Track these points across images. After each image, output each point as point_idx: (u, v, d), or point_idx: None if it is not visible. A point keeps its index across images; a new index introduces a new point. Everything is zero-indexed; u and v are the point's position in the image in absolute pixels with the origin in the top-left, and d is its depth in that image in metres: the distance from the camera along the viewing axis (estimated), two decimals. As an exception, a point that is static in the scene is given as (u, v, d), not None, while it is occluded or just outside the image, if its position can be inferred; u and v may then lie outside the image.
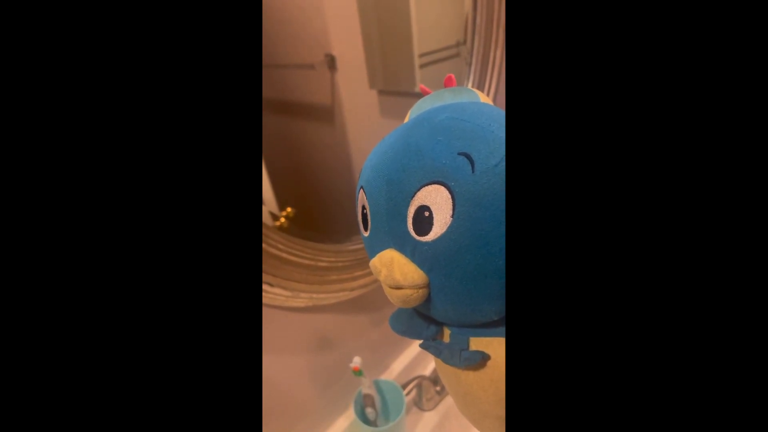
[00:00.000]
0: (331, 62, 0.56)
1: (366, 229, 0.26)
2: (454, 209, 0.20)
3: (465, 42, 0.72)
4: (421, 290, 0.23)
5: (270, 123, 0.49)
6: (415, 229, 0.22)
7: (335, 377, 0.68)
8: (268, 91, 0.48)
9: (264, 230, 0.46)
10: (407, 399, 0.68)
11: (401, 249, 0.23)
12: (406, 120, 0.27)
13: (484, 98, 0.26)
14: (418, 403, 0.76)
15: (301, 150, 0.60)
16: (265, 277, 0.48)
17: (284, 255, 0.49)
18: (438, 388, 0.76)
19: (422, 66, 0.68)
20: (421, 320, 0.28)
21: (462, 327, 0.26)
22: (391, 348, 0.80)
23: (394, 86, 0.69)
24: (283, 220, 0.55)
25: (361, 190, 0.25)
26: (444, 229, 0.21)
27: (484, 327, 0.25)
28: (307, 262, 0.53)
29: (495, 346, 0.24)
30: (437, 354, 0.27)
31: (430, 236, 0.21)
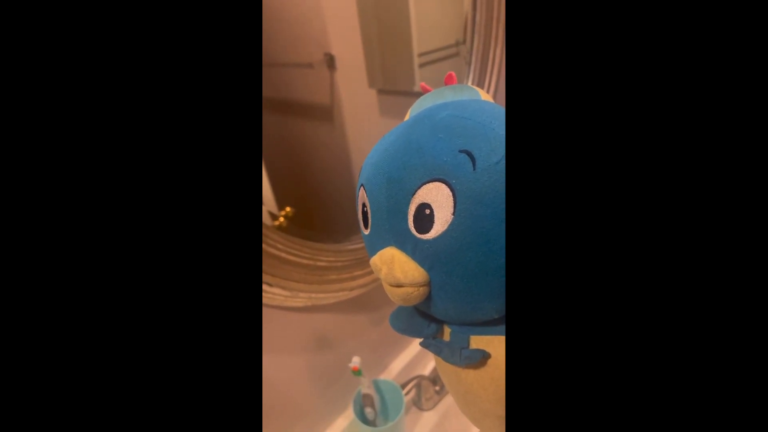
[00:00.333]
0: (330, 61, 0.56)
1: (366, 227, 0.25)
2: (455, 207, 0.20)
3: (464, 41, 0.72)
4: (421, 288, 0.23)
5: (269, 122, 0.49)
6: (416, 227, 0.22)
7: (334, 377, 0.67)
8: (267, 90, 0.48)
9: (263, 230, 0.46)
10: (406, 399, 0.68)
11: (402, 247, 0.23)
12: (407, 118, 0.26)
13: (485, 96, 0.26)
14: (417, 403, 0.76)
15: (300, 149, 0.60)
16: (264, 277, 0.48)
17: (283, 255, 0.49)
18: (437, 388, 0.76)
19: (421, 65, 0.68)
20: (422, 318, 0.28)
21: (462, 325, 0.26)
22: (390, 348, 0.80)
23: (393, 85, 0.69)
24: (282, 219, 0.55)
25: (362, 188, 0.25)
26: (445, 227, 0.21)
27: (484, 325, 0.25)
28: (306, 261, 0.53)
29: (495, 345, 0.24)
30: (437, 352, 0.27)
31: (431, 234, 0.21)
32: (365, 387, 0.64)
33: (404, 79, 0.70)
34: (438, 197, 0.20)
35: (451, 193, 0.20)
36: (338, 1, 0.57)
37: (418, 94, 0.28)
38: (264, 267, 0.47)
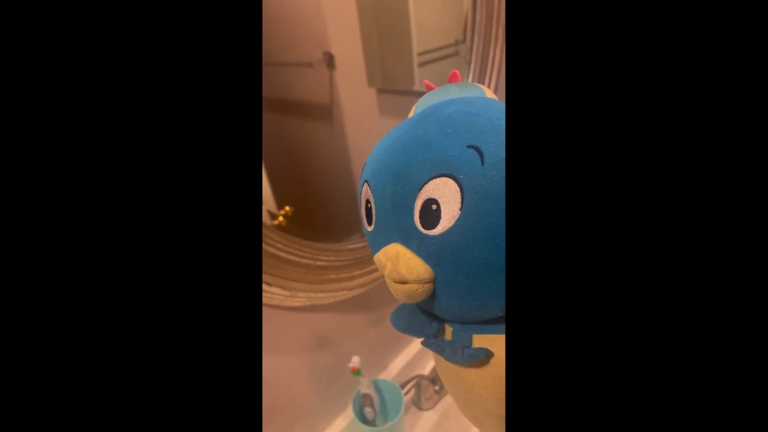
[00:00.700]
0: (329, 60, 0.56)
1: (370, 223, 0.25)
2: (462, 202, 0.20)
3: (464, 40, 0.73)
4: (426, 285, 0.23)
5: (268, 121, 0.49)
6: (422, 223, 0.22)
7: (334, 377, 0.67)
8: (266, 90, 0.48)
9: (262, 229, 0.46)
10: (406, 398, 0.68)
11: (407, 243, 0.23)
12: (411, 115, 0.26)
13: (490, 94, 0.26)
14: (417, 403, 0.76)
15: (299, 148, 0.60)
16: (263, 277, 0.48)
17: (282, 254, 0.49)
18: (437, 388, 0.76)
19: (421, 64, 0.69)
20: (423, 317, 0.28)
21: (464, 324, 0.26)
22: (389, 347, 0.80)
23: (392, 85, 0.69)
24: (281, 218, 0.54)
25: (365, 184, 0.25)
26: (452, 223, 0.20)
27: (486, 324, 0.25)
28: (305, 261, 0.53)
29: (498, 344, 0.24)
30: (439, 351, 0.27)
31: (438, 230, 0.21)
32: (365, 387, 0.63)
33: (404, 78, 0.70)
34: (445, 192, 0.20)
35: (458, 189, 0.20)
36: (338, 0, 0.57)
37: (418, 93, 0.28)
38: (263, 266, 0.47)
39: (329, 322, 0.64)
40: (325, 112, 0.60)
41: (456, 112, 0.22)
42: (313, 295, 0.55)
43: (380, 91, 0.66)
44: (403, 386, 0.68)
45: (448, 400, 0.76)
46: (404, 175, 0.22)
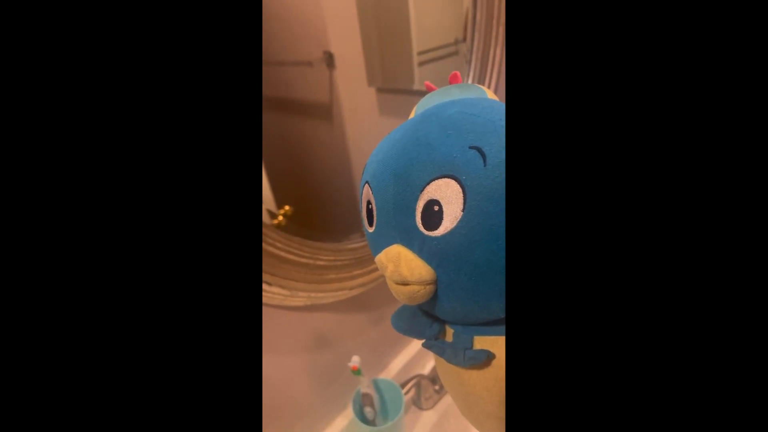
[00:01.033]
0: (329, 60, 0.56)
1: (371, 224, 0.25)
2: (464, 203, 0.20)
3: (464, 40, 0.72)
4: (428, 286, 0.23)
5: (268, 121, 0.48)
6: (423, 224, 0.21)
7: (334, 376, 0.67)
8: (266, 89, 0.48)
9: (262, 229, 0.46)
10: (406, 398, 0.68)
11: (408, 244, 0.23)
12: (412, 116, 0.26)
13: (491, 95, 0.26)
14: (417, 402, 0.76)
15: (299, 147, 0.60)
16: (263, 276, 0.48)
17: (282, 254, 0.49)
18: (437, 387, 0.76)
19: (421, 64, 0.68)
20: (424, 319, 0.28)
21: (466, 325, 0.25)
22: (389, 347, 0.80)
23: (392, 84, 0.69)
24: (281, 218, 0.54)
25: (366, 185, 0.25)
26: (454, 224, 0.20)
27: (488, 325, 0.25)
28: (305, 260, 0.53)
29: (500, 345, 0.24)
30: (440, 353, 0.27)
31: (440, 231, 0.21)
32: (365, 386, 0.63)
33: (404, 77, 0.70)
34: (447, 193, 0.20)
35: (461, 190, 0.20)
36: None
37: (418, 93, 0.28)
38: (263, 266, 0.47)
39: (329, 321, 0.64)
40: (325, 112, 0.60)
41: (457, 113, 0.22)
42: (313, 294, 0.55)
43: (380, 90, 0.66)
44: (403, 386, 0.68)
45: (448, 400, 0.76)
46: (406, 176, 0.22)
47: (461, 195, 0.20)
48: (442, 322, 0.27)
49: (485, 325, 0.25)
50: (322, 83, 0.58)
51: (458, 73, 0.27)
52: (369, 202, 0.25)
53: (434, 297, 0.24)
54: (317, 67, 0.56)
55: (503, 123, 0.21)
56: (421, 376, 0.73)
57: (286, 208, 0.55)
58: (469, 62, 0.73)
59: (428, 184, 0.21)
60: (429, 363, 0.83)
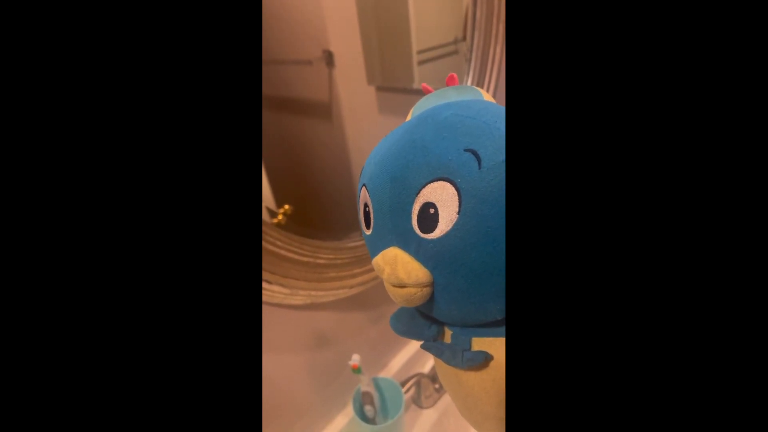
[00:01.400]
0: (328, 58, 0.56)
1: (368, 227, 0.25)
2: (460, 206, 0.20)
3: (464, 39, 0.72)
4: (425, 289, 0.23)
5: (267, 119, 0.48)
6: (419, 227, 0.21)
7: (334, 375, 0.68)
8: (265, 88, 0.48)
9: (262, 227, 0.46)
10: (406, 397, 0.68)
11: (405, 247, 0.23)
12: (408, 118, 0.26)
13: (487, 97, 0.25)
14: (417, 401, 0.76)
15: (298, 146, 0.60)
16: (263, 275, 0.48)
17: (282, 252, 0.49)
18: (437, 386, 0.76)
19: (420, 63, 0.68)
20: (423, 320, 0.28)
21: (464, 327, 0.26)
22: (389, 345, 0.80)
23: (392, 83, 0.68)
24: (280, 217, 0.54)
25: (363, 188, 0.25)
26: (450, 227, 0.20)
27: (486, 327, 0.25)
28: (305, 259, 0.53)
29: (498, 346, 0.24)
30: (438, 355, 0.27)
31: (436, 233, 0.21)
32: (365, 385, 0.64)
33: (403, 76, 0.69)
34: (443, 196, 0.20)
35: (456, 193, 0.20)
36: (337, -2, 0.57)
37: (417, 91, 0.27)
38: (263, 264, 0.47)
39: (329, 320, 0.64)
40: (325, 110, 0.60)
41: (452, 115, 0.22)
42: (313, 293, 0.55)
43: (380, 89, 0.66)
44: (403, 384, 0.68)
45: (448, 399, 0.77)
46: (402, 179, 0.22)
47: (456, 198, 0.20)
48: (441, 324, 0.28)
49: (483, 327, 0.25)
50: (321, 82, 0.58)
51: (455, 75, 0.27)
52: (366, 205, 0.25)
53: (431, 299, 0.24)
54: (317, 66, 0.56)
55: (498, 125, 0.21)
56: (421, 375, 0.73)
57: (286, 206, 0.55)
58: (469, 61, 0.73)
59: (424, 186, 0.21)
60: (429, 362, 0.83)
